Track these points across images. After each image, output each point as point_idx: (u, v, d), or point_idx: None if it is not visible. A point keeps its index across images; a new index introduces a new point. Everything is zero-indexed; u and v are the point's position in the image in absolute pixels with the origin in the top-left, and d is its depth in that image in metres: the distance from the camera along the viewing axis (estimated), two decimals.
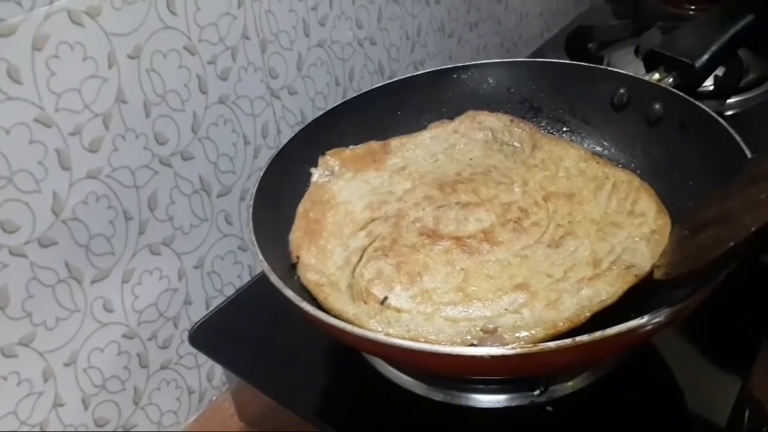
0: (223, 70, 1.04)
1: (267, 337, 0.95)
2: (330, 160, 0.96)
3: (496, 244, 0.78)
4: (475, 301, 0.72)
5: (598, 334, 0.60)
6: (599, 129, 1.00)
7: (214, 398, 1.14)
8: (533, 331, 0.68)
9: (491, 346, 0.65)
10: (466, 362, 0.63)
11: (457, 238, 0.79)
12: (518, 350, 0.60)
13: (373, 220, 0.86)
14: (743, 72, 1.33)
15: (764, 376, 0.87)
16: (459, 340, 0.68)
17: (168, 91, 0.96)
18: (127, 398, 1.01)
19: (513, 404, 0.79)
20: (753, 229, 0.55)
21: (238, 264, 1.16)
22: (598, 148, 0.99)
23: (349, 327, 0.65)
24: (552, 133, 1.03)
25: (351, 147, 0.99)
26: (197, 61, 0.99)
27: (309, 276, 0.80)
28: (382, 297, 0.73)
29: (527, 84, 1.05)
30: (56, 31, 0.79)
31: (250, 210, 0.82)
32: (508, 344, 0.65)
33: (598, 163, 0.92)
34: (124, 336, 0.98)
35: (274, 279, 0.70)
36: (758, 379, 0.85)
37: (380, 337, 0.64)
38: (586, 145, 1.00)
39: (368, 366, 0.86)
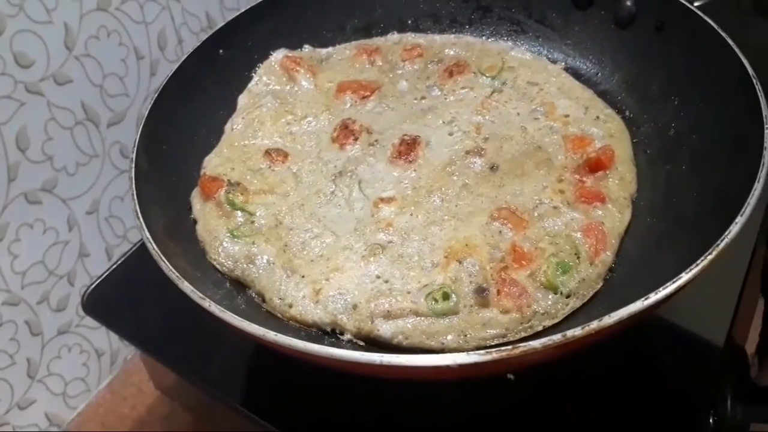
0: None
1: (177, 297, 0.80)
2: None
3: None
4: None
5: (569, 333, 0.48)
6: (560, 32, 0.84)
7: (129, 357, 1.01)
8: None
9: None
10: (424, 372, 0.50)
11: None
12: (494, 355, 0.48)
13: None
14: None
15: (743, 323, 0.79)
16: None
17: None
18: (18, 373, 0.87)
19: None
20: None
21: None
22: (558, 56, 0.83)
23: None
24: (504, 39, 0.87)
25: None
26: None
27: None
28: None
29: None
30: None
31: (134, 156, 0.66)
32: None
33: None
34: (5, 303, 0.83)
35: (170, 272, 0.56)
36: (739, 325, 0.76)
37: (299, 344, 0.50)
38: (545, 52, 0.84)
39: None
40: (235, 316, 0.51)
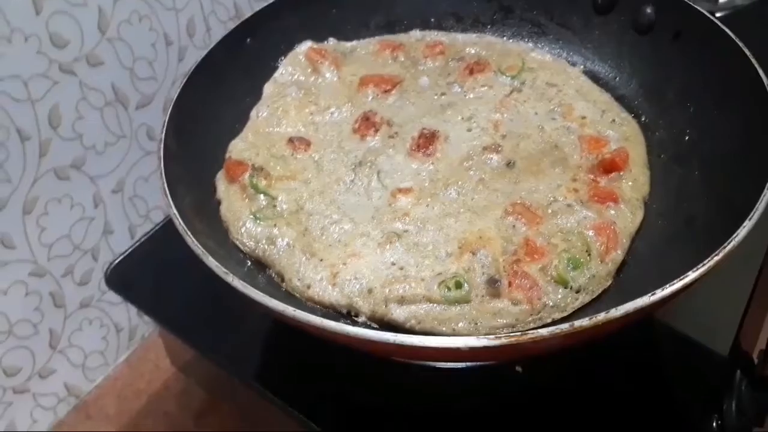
0: None
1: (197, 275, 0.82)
2: None
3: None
4: None
5: (575, 324, 0.50)
6: (580, 35, 0.85)
7: (147, 334, 1.03)
8: None
9: None
10: (435, 354, 0.52)
11: None
12: (503, 341, 0.49)
13: None
14: None
15: (750, 332, 0.79)
16: None
17: None
18: (41, 343, 0.89)
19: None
20: None
21: None
22: (578, 59, 0.85)
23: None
24: (525, 40, 0.88)
25: None
26: None
27: None
28: None
29: None
30: None
31: (163, 136, 0.68)
32: None
33: None
34: (31, 274, 0.85)
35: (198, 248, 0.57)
36: (747, 331, 0.77)
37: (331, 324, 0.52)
38: (565, 55, 0.86)
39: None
40: (258, 292, 0.53)
